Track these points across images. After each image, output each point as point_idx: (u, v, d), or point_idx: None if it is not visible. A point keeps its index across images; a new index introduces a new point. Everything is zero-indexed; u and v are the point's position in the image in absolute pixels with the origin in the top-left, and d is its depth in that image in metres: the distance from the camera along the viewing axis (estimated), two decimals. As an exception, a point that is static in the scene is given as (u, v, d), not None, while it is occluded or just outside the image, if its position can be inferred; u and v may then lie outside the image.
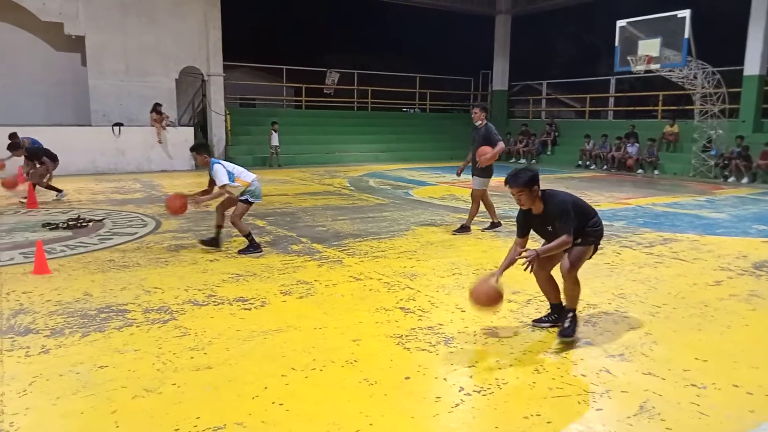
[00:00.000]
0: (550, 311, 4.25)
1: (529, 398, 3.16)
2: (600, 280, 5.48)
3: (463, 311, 4.54)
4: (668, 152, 17.32)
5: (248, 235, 6.37)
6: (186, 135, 16.44)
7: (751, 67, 15.63)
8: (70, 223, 7.77)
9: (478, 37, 22.87)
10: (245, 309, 4.56)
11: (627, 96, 22.22)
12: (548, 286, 4.19)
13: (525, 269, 3.80)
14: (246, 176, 6.27)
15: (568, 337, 3.91)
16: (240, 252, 6.30)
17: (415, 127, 22.41)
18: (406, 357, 3.68)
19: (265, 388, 3.24)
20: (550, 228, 3.91)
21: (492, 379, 3.38)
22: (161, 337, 3.96)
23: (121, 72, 16.17)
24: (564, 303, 4.08)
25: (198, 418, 2.89)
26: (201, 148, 6.46)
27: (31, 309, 4.46)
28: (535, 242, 4.23)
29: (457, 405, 3.09)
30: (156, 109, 15.93)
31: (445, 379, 3.40)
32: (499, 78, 23.23)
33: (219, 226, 6.46)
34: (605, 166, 18.00)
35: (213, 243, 6.46)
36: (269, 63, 21.57)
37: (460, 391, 3.24)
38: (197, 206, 6.52)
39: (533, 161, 19.94)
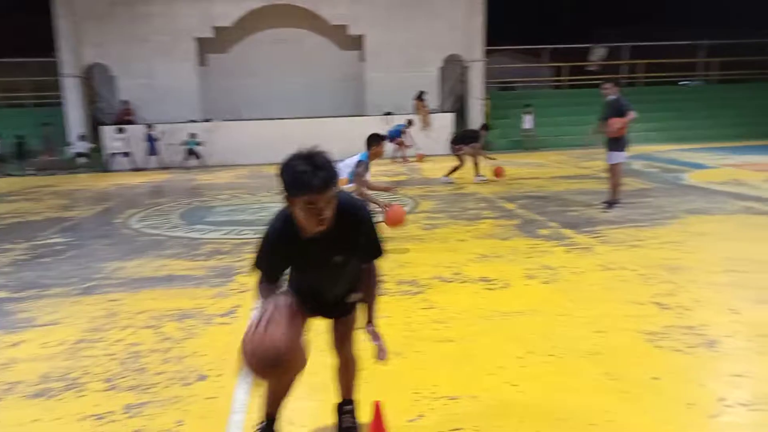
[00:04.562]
0: (341, 411, 2.70)
1: (814, 424, 2.62)
2: None
3: (736, 313, 3.93)
4: None
5: None
6: (446, 121, 17.22)
7: None
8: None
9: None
10: (488, 289, 4.67)
11: None
12: (347, 372, 2.67)
13: (380, 359, 2.38)
14: None
15: None
16: None
17: (694, 102, 19.68)
18: (656, 356, 3.36)
19: (501, 367, 3.30)
20: (339, 257, 2.26)
21: (765, 394, 2.88)
22: (410, 307, 4.30)
23: (393, 65, 17.64)
24: (346, 394, 2.69)
25: (436, 385, 3.10)
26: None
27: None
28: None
29: (713, 416, 2.72)
30: (419, 96, 16.99)
31: (702, 385, 3.02)
32: (815, 37, 18.97)
33: None
34: None
35: None
36: (531, 44, 21.16)
37: (720, 401, 2.84)
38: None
39: None
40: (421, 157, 15.15)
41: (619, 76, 20.30)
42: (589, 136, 8.01)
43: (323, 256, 2.21)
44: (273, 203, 9.17)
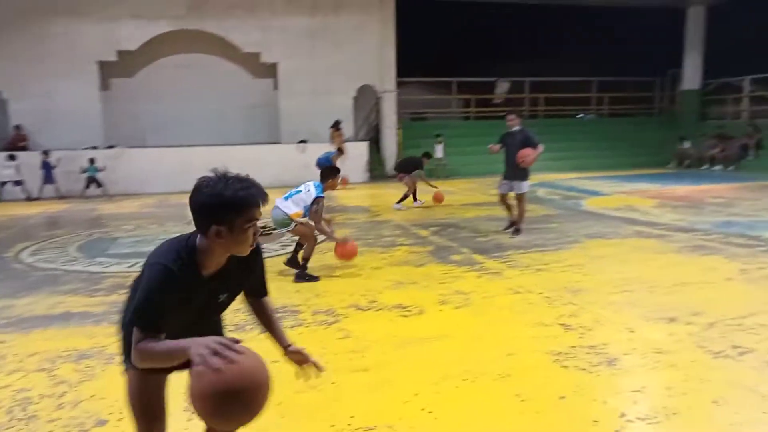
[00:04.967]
0: None
1: (703, 431, 2.83)
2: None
3: (632, 332, 4.19)
4: None
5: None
6: (361, 150, 17.41)
7: None
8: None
9: (664, 33, 20.86)
10: (403, 316, 4.70)
11: None
12: None
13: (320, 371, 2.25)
14: None
15: None
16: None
17: (590, 134, 21.17)
18: (562, 375, 3.51)
19: (416, 394, 3.31)
20: (225, 295, 2.05)
21: (660, 407, 3.08)
22: (326, 338, 4.25)
23: (307, 93, 17.67)
24: None
25: (352, 417, 3.05)
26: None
27: (222, 306, 5.07)
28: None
29: (616, 431, 2.87)
30: (335, 125, 17.10)
31: (605, 402, 3.18)
32: (690, 76, 21.03)
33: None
34: (827, 172, 15.29)
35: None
36: (441, 77, 21.96)
37: (621, 416, 3.00)
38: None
39: (731, 168, 17.67)
40: (346, 182, 15.20)
41: (522, 108, 21.54)
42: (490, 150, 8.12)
43: (213, 294, 1.99)
44: (182, 233, 8.82)
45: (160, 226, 9.69)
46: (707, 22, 20.24)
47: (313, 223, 5.91)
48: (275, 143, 17.40)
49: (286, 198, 5.92)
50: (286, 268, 6.16)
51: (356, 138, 18.34)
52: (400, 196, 10.90)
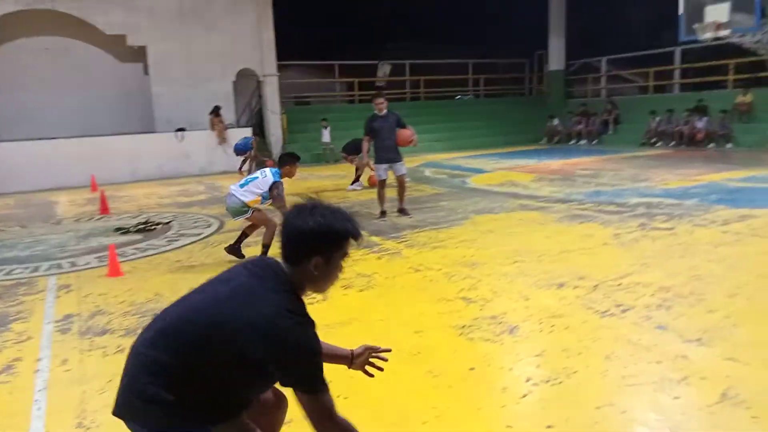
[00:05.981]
0: None
1: (600, 387, 3.04)
2: (673, 261, 5.21)
3: (527, 299, 4.42)
4: (742, 123, 16.30)
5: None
6: (244, 136, 16.81)
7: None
8: (139, 226, 8.12)
9: (532, 17, 22.18)
10: (308, 303, 4.59)
11: (694, 67, 20.97)
12: None
13: None
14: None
15: None
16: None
17: (469, 114, 22.05)
18: (469, 348, 3.62)
19: (330, 381, 3.23)
20: None
21: (560, 368, 3.27)
22: (228, 333, 4.05)
23: (182, 78, 16.69)
24: None
25: (265, 412, 2.93)
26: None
27: (107, 310, 4.68)
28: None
29: (524, 396, 3.01)
30: (215, 111, 16.36)
31: (510, 369, 3.33)
32: (555, 58, 22.49)
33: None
34: (673, 143, 17.15)
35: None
36: (322, 60, 21.73)
37: (527, 381, 3.15)
38: None
39: (594, 142, 19.26)
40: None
41: (405, 90, 21.93)
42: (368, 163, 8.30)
43: None
44: (50, 235, 8.02)
45: (24, 228, 8.74)
46: (568, 5, 21.70)
47: (270, 208, 5.88)
48: (150, 132, 16.33)
49: (242, 185, 5.76)
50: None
51: (238, 124, 17.70)
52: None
